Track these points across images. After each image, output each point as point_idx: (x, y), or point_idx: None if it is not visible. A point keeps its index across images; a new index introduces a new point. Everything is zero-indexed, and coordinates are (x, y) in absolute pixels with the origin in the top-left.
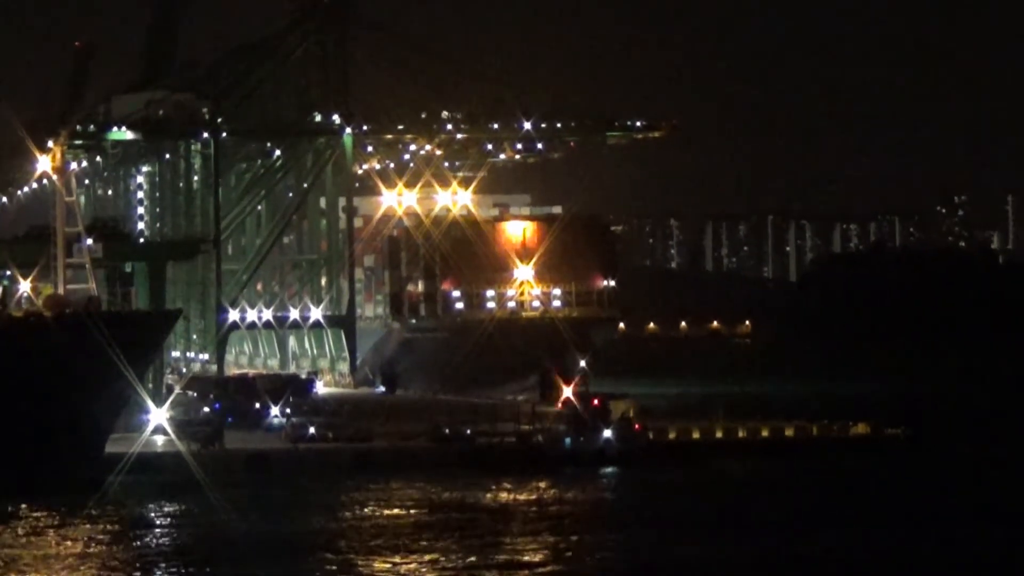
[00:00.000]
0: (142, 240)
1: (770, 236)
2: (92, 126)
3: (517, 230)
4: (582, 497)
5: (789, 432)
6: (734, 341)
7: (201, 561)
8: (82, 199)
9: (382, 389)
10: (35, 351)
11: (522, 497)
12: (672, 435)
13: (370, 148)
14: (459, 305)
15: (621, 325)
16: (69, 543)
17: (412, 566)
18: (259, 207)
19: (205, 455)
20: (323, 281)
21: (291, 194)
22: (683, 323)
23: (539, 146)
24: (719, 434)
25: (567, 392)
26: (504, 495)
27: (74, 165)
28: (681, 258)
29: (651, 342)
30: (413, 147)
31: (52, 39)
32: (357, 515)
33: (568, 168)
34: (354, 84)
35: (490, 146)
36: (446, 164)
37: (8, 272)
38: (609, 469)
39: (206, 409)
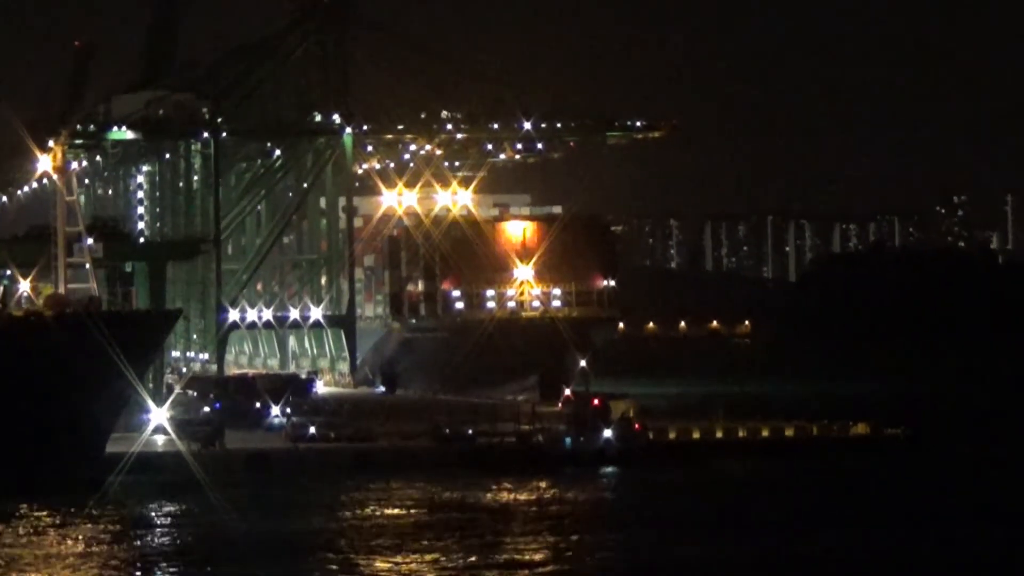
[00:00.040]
0: (142, 240)
1: (770, 236)
2: (92, 126)
3: (517, 230)
4: (582, 497)
5: (789, 432)
6: (733, 341)
7: (201, 561)
8: (82, 199)
9: (382, 389)
10: (35, 351)
11: (522, 497)
12: (672, 435)
13: (370, 148)
14: (459, 305)
15: (620, 325)
16: (70, 543)
17: (412, 566)
18: (259, 207)
19: (205, 455)
20: (323, 281)
21: (291, 194)
22: (682, 323)
23: (539, 146)
24: (719, 434)
25: (567, 391)
26: (504, 495)
27: (74, 165)
28: (681, 258)
29: (651, 342)
30: (413, 147)
31: (52, 39)
32: (357, 515)
33: (568, 168)
34: (354, 84)
35: (490, 146)
36: (446, 164)
37: (8, 272)
38: (609, 469)
39: (206, 409)
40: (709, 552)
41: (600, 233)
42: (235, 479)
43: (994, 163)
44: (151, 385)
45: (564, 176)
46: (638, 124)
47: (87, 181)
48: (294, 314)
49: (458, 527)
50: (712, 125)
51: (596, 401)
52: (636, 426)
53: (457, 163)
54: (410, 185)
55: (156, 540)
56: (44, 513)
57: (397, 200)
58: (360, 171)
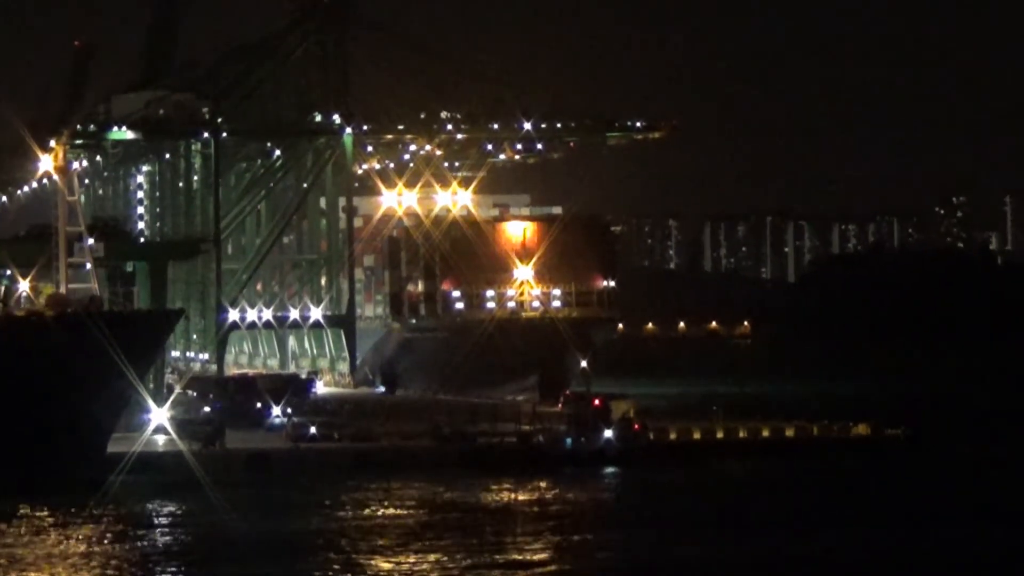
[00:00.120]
0: (143, 240)
1: (768, 236)
2: (92, 126)
3: (517, 230)
4: (582, 497)
5: (790, 432)
6: (733, 341)
7: (201, 561)
8: (82, 199)
9: (382, 389)
10: (36, 351)
11: (523, 497)
12: (673, 435)
13: (370, 148)
14: (459, 305)
15: (620, 325)
16: (71, 543)
17: (413, 566)
18: (259, 207)
19: (206, 455)
20: (323, 281)
21: (291, 194)
22: (682, 323)
23: (539, 146)
24: (719, 434)
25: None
26: (505, 495)
27: (75, 165)
28: (680, 258)
29: (650, 342)
30: (413, 147)
31: (52, 39)
32: (357, 515)
33: (568, 168)
34: (354, 84)
35: (490, 146)
36: (446, 164)
37: (8, 272)
38: (609, 469)
39: (207, 409)
40: (709, 552)
41: (600, 233)
42: (235, 479)
43: (994, 163)
44: (152, 385)
45: (564, 176)
46: (638, 124)
47: (87, 181)
48: (294, 314)
49: (458, 527)
50: (712, 125)
51: (597, 401)
52: (636, 426)
53: (457, 163)
54: (410, 185)
55: (157, 540)
56: (45, 513)
57: (397, 200)
58: (360, 171)
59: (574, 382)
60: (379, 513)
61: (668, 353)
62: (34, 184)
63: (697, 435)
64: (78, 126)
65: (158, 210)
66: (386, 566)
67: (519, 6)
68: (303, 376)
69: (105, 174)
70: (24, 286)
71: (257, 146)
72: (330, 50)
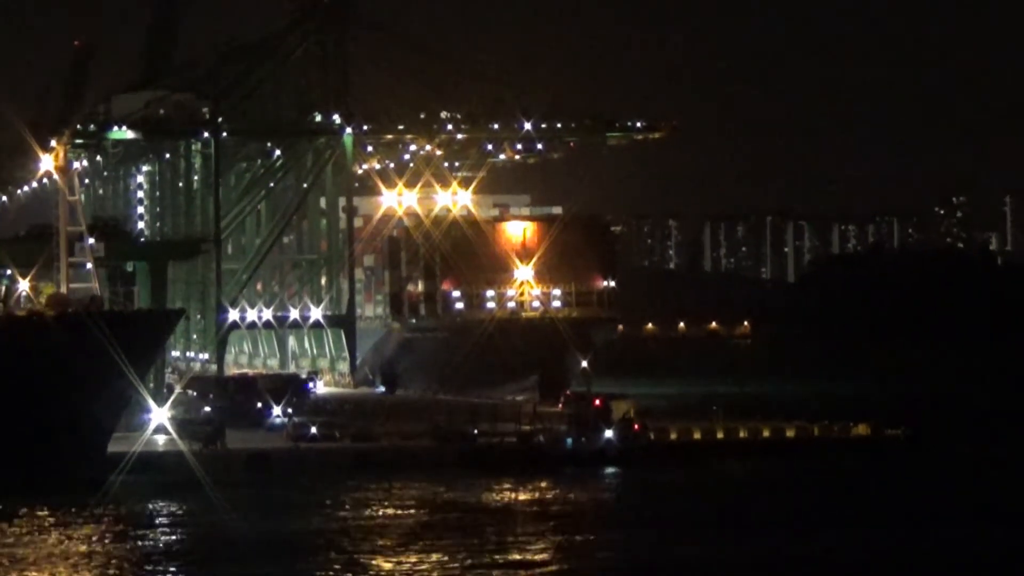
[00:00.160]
0: (143, 240)
1: (768, 236)
2: (92, 126)
3: (517, 230)
4: (583, 497)
5: (790, 433)
6: (733, 341)
7: (201, 561)
8: (82, 199)
9: (382, 389)
10: (37, 350)
11: (523, 497)
12: (673, 435)
13: (370, 148)
14: (459, 305)
15: (620, 326)
16: (71, 542)
17: (413, 566)
18: (259, 207)
19: (206, 454)
20: (323, 281)
21: (291, 194)
22: (681, 324)
23: (539, 146)
24: (720, 434)
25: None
26: (505, 495)
27: (76, 164)
28: (680, 258)
29: (650, 342)
30: (413, 147)
31: (52, 39)
32: (358, 515)
33: (568, 168)
34: (354, 84)
35: (490, 146)
36: (446, 164)
37: (8, 272)
38: (610, 469)
39: (207, 409)
40: (709, 552)
41: (600, 233)
42: (236, 479)
43: (994, 163)
44: (152, 385)
45: (564, 176)
46: (638, 124)
47: (87, 181)
48: (294, 314)
49: (459, 527)
50: (712, 125)
51: (597, 401)
52: (637, 426)
53: (457, 163)
54: (410, 185)
55: (157, 540)
56: (45, 513)
57: (397, 200)
58: (360, 171)
59: (574, 382)
60: (379, 513)
61: (668, 353)
62: (34, 184)
63: (697, 435)
64: (78, 126)
65: (158, 210)
66: (387, 566)
67: (519, 6)
68: (303, 376)
69: (105, 174)
70: (24, 286)
71: (257, 146)
72: (330, 50)
